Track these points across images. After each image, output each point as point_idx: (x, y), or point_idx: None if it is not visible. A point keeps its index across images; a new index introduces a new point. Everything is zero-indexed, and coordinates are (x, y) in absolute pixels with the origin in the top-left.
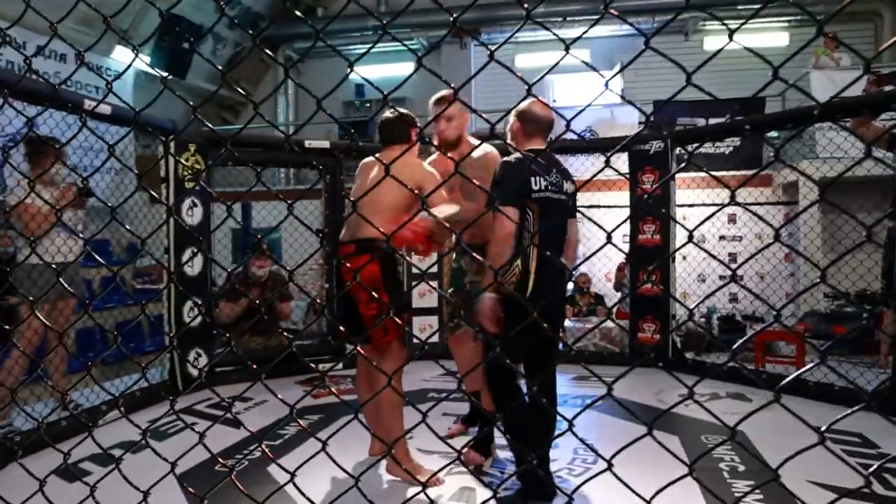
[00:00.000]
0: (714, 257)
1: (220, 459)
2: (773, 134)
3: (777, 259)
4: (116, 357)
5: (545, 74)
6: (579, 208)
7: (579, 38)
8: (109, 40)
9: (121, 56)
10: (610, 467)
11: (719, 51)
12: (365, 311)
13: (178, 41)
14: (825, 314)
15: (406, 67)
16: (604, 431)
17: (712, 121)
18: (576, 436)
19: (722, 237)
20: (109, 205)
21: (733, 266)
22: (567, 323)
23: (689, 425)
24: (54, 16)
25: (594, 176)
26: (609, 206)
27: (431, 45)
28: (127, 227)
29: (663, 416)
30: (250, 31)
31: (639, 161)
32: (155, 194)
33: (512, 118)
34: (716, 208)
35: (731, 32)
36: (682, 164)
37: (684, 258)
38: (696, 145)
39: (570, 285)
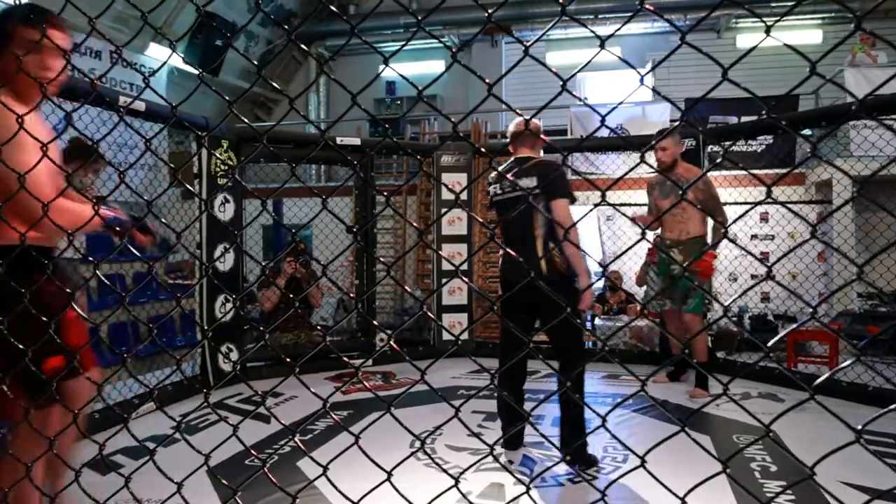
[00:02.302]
0: (751, 254)
1: (253, 452)
2: (808, 132)
3: (810, 258)
4: (148, 351)
5: (580, 70)
6: (616, 206)
7: (613, 34)
8: (144, 37)
9: (155, 53)
10: (643, 464)
11: (755, 46)
12: None
13: (211, 38)
14: (859, 314)
15: (436, 65)
16: (635, 429)
17: (744, 119)
18: (609, 431)
19: (754, 236)
20: (145, 199)
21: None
22: (597, 321)
23: (720, 424)
24: (91, 13)
25: (626, 174)
26: (641, 205)
27: (464, 42)
28: (162, 220)
29: (695, 414)
30: (286, 27)
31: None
32: (191, 188)
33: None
34: (748, 206)
35: (768, 28)
36: (717, 161)
37: (715, 257)
38: (729, 143)
39: (601, 282)
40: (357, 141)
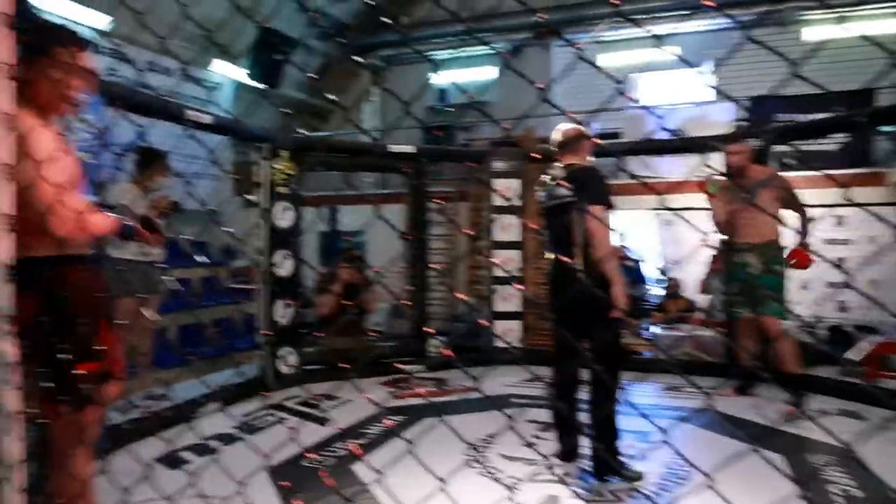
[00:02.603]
0: (833, 263)
1: (309, 455)
2: (890, 129)
3: (892, 264)
4: (213, 353)
5: (635, 72)
6: (675, 211)
7: (667, 35)
8: (208, 54)
9: (219, 68)
10: (710, 482)
11: (825, 41)
12: None
13: (272, 53)
14: None
15: (487, 71)
16: (698, 445)
17: (815, 116)
18: (670, 445)
19: (829, 240)
20: (209, 208)
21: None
22: (656, 330)
23: (793, 443)
24: (162, 33)
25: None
26: (702, 209)
27: (515, 48)
28: (224, 228)
29: (770, 434)
30: (342, 42)
31: None
32: (251, 198)
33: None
34: (822, 209)
35: (841, 20)
36: (784, 163)
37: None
38: (799, 142)
39: (660, 290)
40: (410, 148)
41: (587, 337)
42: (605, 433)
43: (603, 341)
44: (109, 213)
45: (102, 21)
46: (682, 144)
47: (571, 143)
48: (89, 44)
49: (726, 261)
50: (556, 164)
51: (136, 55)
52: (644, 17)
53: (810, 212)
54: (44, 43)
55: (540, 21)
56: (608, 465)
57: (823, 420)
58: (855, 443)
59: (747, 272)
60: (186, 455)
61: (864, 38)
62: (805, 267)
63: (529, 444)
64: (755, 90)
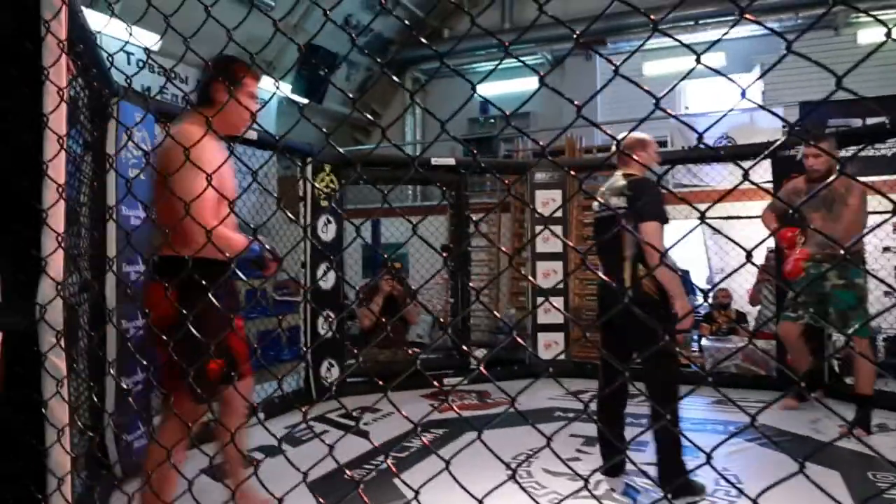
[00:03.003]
0: (878, 278)
1: (346, 471)
2: None
3: None
4: (257, 365)
5: (672, 87)
6: (713, 220)
7: (709, 48)
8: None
9: (266, 84)
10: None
11: (875, 51)
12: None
13: (315, 69)
14: None
15: (531, 82)
16: (750, 462)
17: (870, 121)
18: (714, 469)
19: (886, 248)
20: (252, 225)
21: None
22: (704, 342)
23: (852, 460)
24: (210, 52)
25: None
26: (750, 217)
27: (556, 60)
28: (267, 245)
29: (821, 450)
30: (378, 59)
31: (784, 167)
32: (290, 215)
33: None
34: (881, 218)
35: (889, 30)
36: (834, 177)
37: (804, 259)
38: (854, 149)
39: (706, 300)
40: (451, 161)
41: (638, 350)
42: (668, 454)
43: (654, 360)
44: (246, 236)
45: (152, 40)
46: (737, 151)
47: (630, 150)
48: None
49: (795, 271)
50: (616, 173)
51: (185, 72)
52: (689, 23)
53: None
54: (235, 72)
55: (578, 34)
56: (675, 481)
57: (882, 437)
58: None
59: (823, 284)
60: (258, 456)
61: None
62: (793, 277)
63: (566, 464)
64: (810, 95)
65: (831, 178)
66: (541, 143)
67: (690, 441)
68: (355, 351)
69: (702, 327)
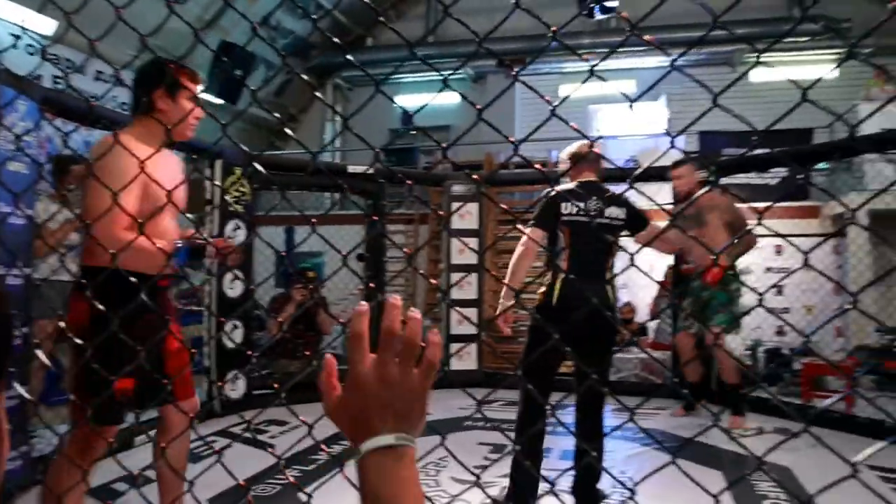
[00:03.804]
0: (746, 285)
1: (241, 483)
2: (823, 165)
3: (825, 291)
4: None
5: (595, 104)
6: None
7: (591, 73)
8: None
9: None
10: (633, 495)
11: (742, 76)
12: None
13: (230, 68)
14: (876, 349)
15: (454, 96)
16: (644, 464)
17: (759, 152)
18: (610, 474)
19: (769, 269)
20: (139, 220)
21: (778, 297)
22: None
23: (734, 461)
24: (122, 44)
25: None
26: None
27: (478, 75)
28: (205, 237)
29: (689, 443)
30: (289, 65)
31: None
32: (189, 217)
33: (563, 157)
34: (764, 239)
35: (758, 58)
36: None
37: (724, 269)
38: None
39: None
40: (368, 170)
41: (594, 362)
42: (593, 469)
43: (607, 370)
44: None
45: (48, 25)
46: (638, 174)
47: (595, 158)
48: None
49: (680, 284)
50: (571, 181)
51: (84, 63)
52: (605, 51)
53: (754, 234)
54: (175, 75)
55: (500, 60)
56: (598, 491)
57: (759, 438)
58: (765, 455)
59: (701, 293)
60: (120, 486)
61: (793, 82)
62: (713, 284)
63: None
64: (708, 125)
65: (695, 195)
66: (437, 161)
67: (576, 436)
68: (267, 359)
69: None
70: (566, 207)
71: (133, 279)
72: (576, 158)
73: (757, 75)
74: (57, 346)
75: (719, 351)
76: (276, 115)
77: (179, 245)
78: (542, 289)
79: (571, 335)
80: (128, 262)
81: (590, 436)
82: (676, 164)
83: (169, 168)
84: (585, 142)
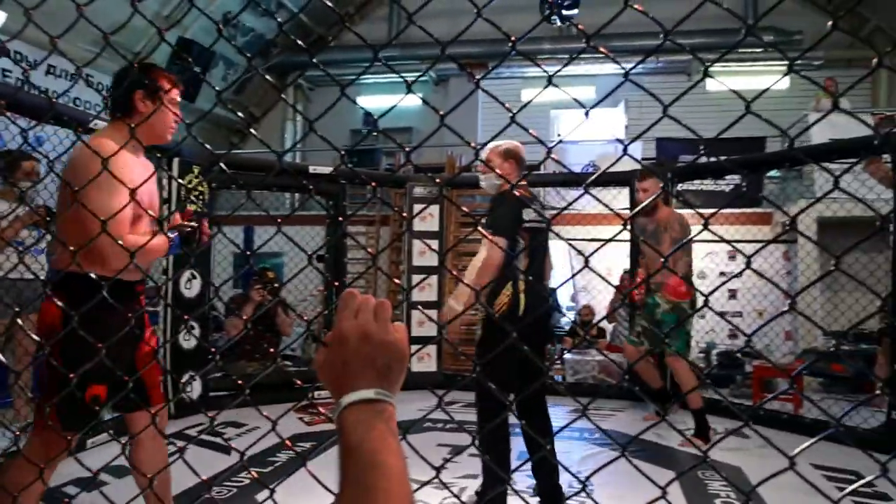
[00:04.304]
0: (699, 291)
1: (204, 479)
2: (775, 173)
3: (775, 296)
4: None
5: (557, 108)
6: (577, 240)
7: (549, 81)
8: (123, 63)
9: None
10: (584, 487)
11: (693, 87)
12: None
13: (189, 65)
14: (823, 352)
15: (415, 98)
16: (599, 463)
17: (713, 159)
18: (553, 458)
19: (722, 273)
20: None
21: (731, 301)
22: (567, 355)
23: (688, 461)
24: (78, 40)
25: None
26: (616, 240)
27: (440, 78)
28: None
29: (643, 443)
30: (251, 62)
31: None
32: (151, 213)
33: (499, 159)
34: (717, 245)
35: (707, 71)
36: (687, 200)
37: (683, 285)
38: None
39: (572, 316)
40: (328, 170)
41: (538, 368)
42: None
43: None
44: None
45: None
46: (598, 178)
47: (523, 161)
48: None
49: (639, 296)
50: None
51: (32, 55)
52: (564, 57)
53: (689, 261)
54: (156, 79)
55: (461, 64)
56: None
57: (712, 438)
58: (708, 450)
59: (656, 311)
60: (71, 490)
61: (735, 92)
62: (676, 296)
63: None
64: (665, 132)
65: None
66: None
67: (531, 433)
68: (224, 360)
69: (564, 340)
70: (527, 213)
71: (101, 283)
72: (520, 159)
73: (713, 84)
74: (7, 346)
75: (681, 377)
76: (240, 115)
77: (173, 236)
78: (502, 298)
79: (536, 342)
80: (115, 271)
81: (542, 432)
82: (644, 177)
83: (147, 170)
84: (516, 142)
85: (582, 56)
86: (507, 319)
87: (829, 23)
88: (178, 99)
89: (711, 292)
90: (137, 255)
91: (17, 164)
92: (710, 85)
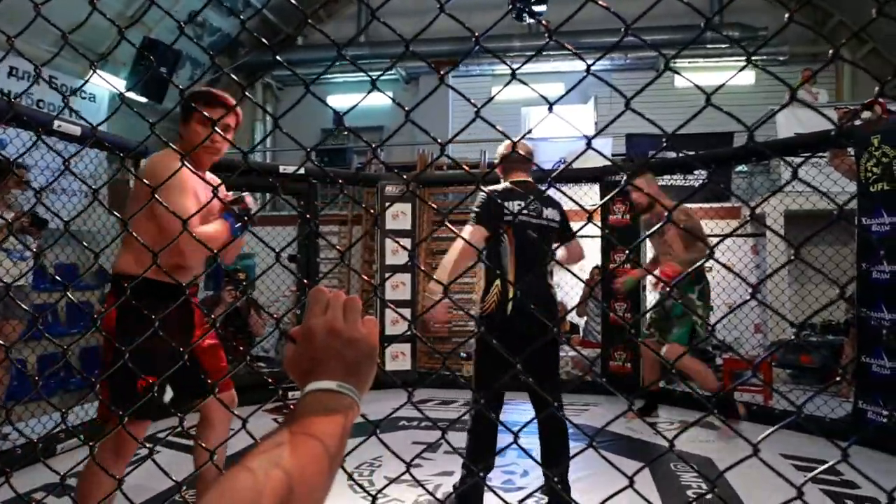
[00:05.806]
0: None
1: (175, 480)
2: (742, 168)
3: (744, 289)
4: (79, 384)
5: (527, 105)
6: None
7: (513, 76)
8: (86, 64)
9: (99, 80)
10: (552, 479)
11: (652, 81)
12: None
13: (155, 65)
14: (792, 344)
15: (382, 96)
16: (577, 459)
17: (682, 154)
18: (522, 449)
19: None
20: (64, 220)
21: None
22: None
23: (659, 453)
24: (38, 40)
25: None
26: (591, 236)
27: (410, 76)
28: (85, 244)
29: (603, 432)
30: (216, 62)
31: (610, 191)
32: (116, 214)
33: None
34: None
35: (667, 65)
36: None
37: (678, 272)
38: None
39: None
40: (300, 170)
41: (543, 368)
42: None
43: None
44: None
45: None
46: (567, 174)
47: (524, 159)
48: (226, 100)
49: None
50: (507, 180)
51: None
52: (532, 54)
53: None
54: (193, 107)
55: (432, 65)
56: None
57: (682, 429)
58: (674, 438)
59: (665, 303)
60: (40, 496)
61: (698, 87)
62: (669, 278)
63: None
64: (634, 128)
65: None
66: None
67: (508, 427)
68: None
69: None
70: (510, 206)
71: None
72: (506, 159)
73: (682, 81)
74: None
75: (689, 369)
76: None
77: (229, 220)
78: (491, 296)
79: (529, 340)
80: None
81: (556, 431)
82: (633, 175)
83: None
84: (518, 142)
85: (552, 53)
86: (494, 318)
87: (787, 15)
88: (232, 124)
89: (678, 281)
90: (209, 244)
91: (7, 174)
92: (679, 81)
